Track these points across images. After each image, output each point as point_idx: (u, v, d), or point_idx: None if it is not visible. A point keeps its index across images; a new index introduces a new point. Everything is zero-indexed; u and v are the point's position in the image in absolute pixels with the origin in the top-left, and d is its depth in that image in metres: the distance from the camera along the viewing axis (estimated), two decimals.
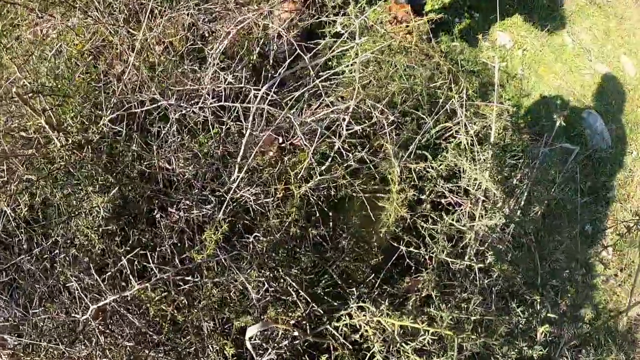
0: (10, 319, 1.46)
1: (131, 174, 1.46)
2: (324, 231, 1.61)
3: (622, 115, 3.10)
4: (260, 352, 1.15)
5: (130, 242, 1.44)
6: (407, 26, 1.84)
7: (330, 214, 1.68)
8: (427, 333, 1.03)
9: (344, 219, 1.83)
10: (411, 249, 1.50)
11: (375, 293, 1.48)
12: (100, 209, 1.28)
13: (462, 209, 1.83)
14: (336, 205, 1.87)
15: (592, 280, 2.67)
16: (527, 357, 1.57)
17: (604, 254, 2.75)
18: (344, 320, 1.04)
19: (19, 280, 1.53)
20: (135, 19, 2.15)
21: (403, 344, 1.04)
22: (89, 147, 1.37)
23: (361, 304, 1.06)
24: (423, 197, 1.81)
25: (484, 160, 1.78)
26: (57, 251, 1.49)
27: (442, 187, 1.72)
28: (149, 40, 2.09)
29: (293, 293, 1.25)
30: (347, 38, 1.57)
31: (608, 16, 3.33)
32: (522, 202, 1.97)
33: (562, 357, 2.44)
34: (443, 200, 1.85)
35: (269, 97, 1.53)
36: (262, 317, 1.21)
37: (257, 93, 1.39)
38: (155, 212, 1.58)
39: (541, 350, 1.30)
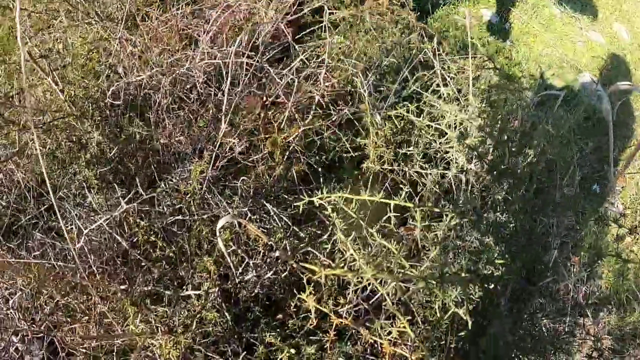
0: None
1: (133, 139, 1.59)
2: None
3: (620, 79, 3.11)
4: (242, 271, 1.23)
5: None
6: None
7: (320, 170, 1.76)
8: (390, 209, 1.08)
9: (336, 179, 1.90)
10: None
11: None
12: (94, 141, 1.39)
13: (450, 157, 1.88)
14: (329, 167, 1.95)
15: (605, 239, 2.62)
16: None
17: (614, 209, 2.71)
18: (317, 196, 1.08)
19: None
20: (132, 23, 2.35)
21: (367, 227, 1.09)
22: (90, 103, 1.51)
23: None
24: (411, 148, 1.87)
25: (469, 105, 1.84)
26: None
27: (426, 133, 1.77)
28: (146, 42, 2.28)
29: (276, 218, 1.33)
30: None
31: None
32: (514, 148, 2.00)
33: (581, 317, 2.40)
34: (431, 150, 1.90)
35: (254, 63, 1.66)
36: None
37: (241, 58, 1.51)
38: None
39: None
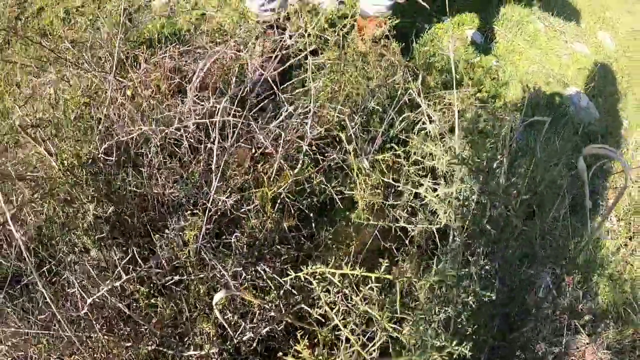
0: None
1: (125, 195, 1.63)
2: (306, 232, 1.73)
3: (607, 88, 3.14)
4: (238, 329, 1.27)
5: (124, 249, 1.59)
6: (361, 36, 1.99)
7: (311, 215, 1.80)
8: (370, 280, 1.12)
9: (328, 221, 1.95)
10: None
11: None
12: (90, 213, 1.44)
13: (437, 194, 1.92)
14: (321, 210, 2.00)
15: (601, 253, 2.65)
16: None
17: (608, 224, 2.74)
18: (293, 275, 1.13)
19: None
20: (121, 68, 2.39)
21: (351, 295, 1.13)
22: (83, 169, 1.55)
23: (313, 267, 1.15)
24: (400, 186, 1.91)
25: (452, 145, 1.88)
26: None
27: (413, 173, 1.81)
28: (137, 86, 2.33)
29: (267, 279, 1.37)
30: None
31: None
32: (502, 181, 2.04)
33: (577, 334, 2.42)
34: (421, 189, 1.94)
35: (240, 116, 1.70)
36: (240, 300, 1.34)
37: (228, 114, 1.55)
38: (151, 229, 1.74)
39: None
